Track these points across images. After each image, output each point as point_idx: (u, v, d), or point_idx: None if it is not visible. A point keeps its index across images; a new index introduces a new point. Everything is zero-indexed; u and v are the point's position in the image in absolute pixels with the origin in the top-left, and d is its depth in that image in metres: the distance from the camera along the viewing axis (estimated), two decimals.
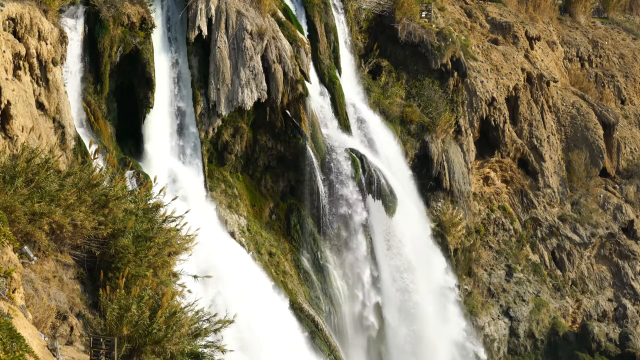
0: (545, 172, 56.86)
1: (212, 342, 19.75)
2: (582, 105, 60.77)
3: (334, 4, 47.15)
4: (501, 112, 54.44)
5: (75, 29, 33.70)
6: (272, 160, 41.17)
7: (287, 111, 40.55)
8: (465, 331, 47.89)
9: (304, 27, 43.92)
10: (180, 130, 37.94)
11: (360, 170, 42.23)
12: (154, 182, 27.11)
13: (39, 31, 29.13)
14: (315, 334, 38.47)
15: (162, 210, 22.17)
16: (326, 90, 44.14)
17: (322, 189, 41.08)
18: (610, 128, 60.70)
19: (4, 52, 26.90)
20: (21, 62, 28.33)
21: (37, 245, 19.24)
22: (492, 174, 55.52)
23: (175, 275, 21.97)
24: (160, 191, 22.75)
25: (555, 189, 57.35)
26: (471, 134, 52.45)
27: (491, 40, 58.55)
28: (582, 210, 57.84)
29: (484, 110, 53.38)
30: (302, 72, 40.57)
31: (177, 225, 21.99)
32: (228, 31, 38.56)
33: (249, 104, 38.74)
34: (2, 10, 27.47)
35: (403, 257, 44.50)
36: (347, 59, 47.53)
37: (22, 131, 26.47)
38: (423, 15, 52.53)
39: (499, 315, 52.00)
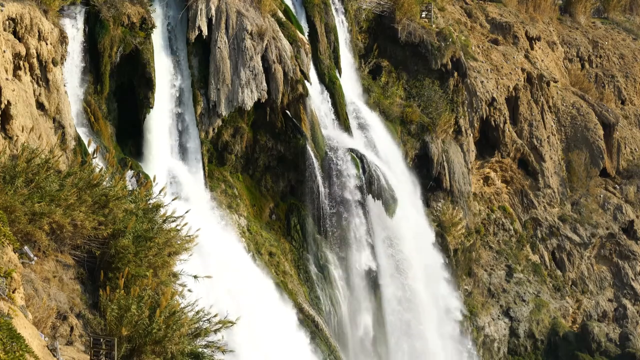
0: (545, 172, 56.86)
1: (213, 342, 19.72)
2: (582, 106, 60.76)
3: (334, 4, 47.16)
4: (501, 112, 54.43)
5: (75, 29, 33.69)
6: (272, 160, 41.17)
7: (287, 111, 40.55)
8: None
9: (304, 27, 43.92)
10: (181, 130, 37.94)
11: (361, 170, 42.23)
12: (154, 182, 27.10)
13: (39, 31, 29.12)
14: (315, 334, 38.46)
15: (162, 211, 22.15)
16: (326, 90, 44.14)
17: (322, 189, 41.08)
18: (610, 128, 60.70)
19: (4, 52, 26.90)
20: (21, 62, 28.32)
21: (37, 245, 19.23)
22: (492, 174, 55.51)
23: (175, 275, 21.95)
24: (161, 191, 22.73)
25: (555, 189, 57.35)
26: (471, 134, 52.46)
27: (491, 40, 58.55)
28: (582, 211, 57.83)
29: (484, 110, 53.38)
30: (302, 72, 40.57)
31: (177, 225, 21.97)
32: (228, 31, 38.56)
33: (249, 104, 38.74)
34: (2, 11, 27.47)
35: (403, 256, 44.49)
36: (347, 59, 47.53)
37: (22, 131, 26.46)
38: (423, 16, 52.54)
39: (499, 316, 52.00)
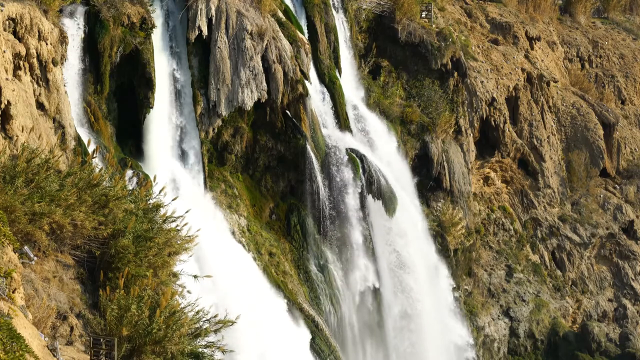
0: (545, 172, 56.85)
1: (213, 342, 19.72)
2: (582, 106, 60.75)
3: (334, 4, 47.15)
4: (501, 112, 54.43)
5: (75, 29, 33.70)
6: (272, 160, 41.17)
7: (287, 111, 40.55)
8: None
9: (304, 27, 43.92)
10: (181, 130, 37.94)
11: (361, 170, 42.22)
12: (154, 182, 27.09)
13: (39, 31, 29.12)
14: (315, 334, 38.47)
15: (162, 211, 22.14)
16: (326, 90, 44.13)
17: (322, 189, 41.08)
18: (610, 128, 60.69)
19: (4, 52, 26.90)
20: (21, 62, 28.32)
21: (37, 245, 19.22)
22: (492, 174, 55.50)
23: (175, 275, 21.95)
24: (160, 191, 22.73)
25: (555, 189, 57.34)
26: (471, 134, 52.45)
27: (491, 40, 58.53)
28: (582, 211, 57.82)
29: (484, 110, 53.37)
30: (302, 72, 40.57)
31: (177, 225, 21.96)
32: (228, 31, 38.56)
33: (249, 104, 38.73)
34: (2, 11, 27.47)
35: (402, 256, 44.50)
36: (347, 59, 47.52)
37: (22, 131, 26.46)
38: (423, 16, 52.52)
39: (499, 316, 51.99)
